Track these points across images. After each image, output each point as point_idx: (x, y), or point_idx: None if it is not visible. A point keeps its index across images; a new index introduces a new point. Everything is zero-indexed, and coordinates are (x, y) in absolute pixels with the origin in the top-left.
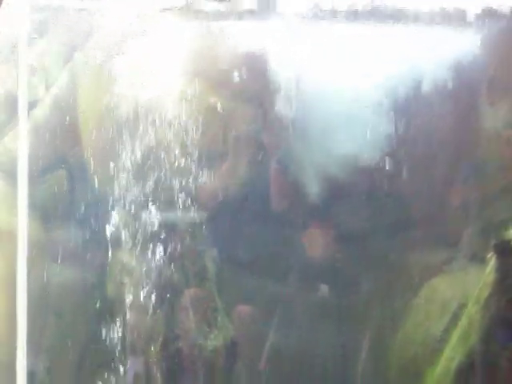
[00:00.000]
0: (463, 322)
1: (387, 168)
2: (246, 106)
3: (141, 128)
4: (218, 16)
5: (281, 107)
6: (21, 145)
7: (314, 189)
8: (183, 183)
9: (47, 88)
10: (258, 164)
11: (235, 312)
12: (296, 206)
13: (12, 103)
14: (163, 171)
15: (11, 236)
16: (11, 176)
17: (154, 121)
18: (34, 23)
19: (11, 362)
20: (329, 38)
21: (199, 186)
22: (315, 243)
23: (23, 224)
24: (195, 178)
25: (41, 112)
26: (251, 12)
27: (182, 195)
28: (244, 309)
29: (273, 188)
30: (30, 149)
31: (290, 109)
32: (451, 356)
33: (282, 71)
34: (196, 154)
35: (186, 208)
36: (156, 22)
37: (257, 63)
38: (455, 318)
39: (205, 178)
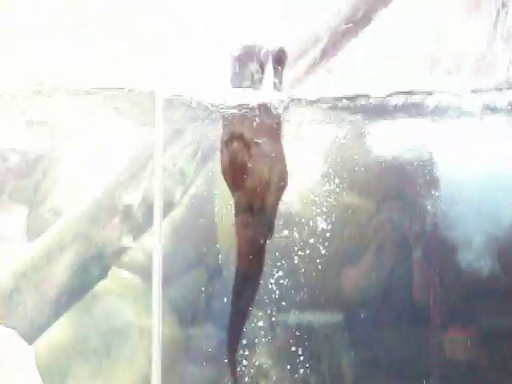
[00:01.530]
0: None
1: None
2: (387, 203)
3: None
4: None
5: (426, 204)
6: (156, 244)
7: (456, 286)
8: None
9: (184, 191)
10: (400, 258)
11: None
12: (438, 304)
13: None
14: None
15: (148, 332)
16: (148, 274)
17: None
18: (168, 129)
19: None
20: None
21: (337, 285)
22: (456, 344)
23: (158, 321)
24: (331, 278)
25: (179, 212)
26: None
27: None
28: None
29: (415, 283)
30: (168, 248)
31: (435, 204)
32: None
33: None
34: (334, 253)
35: (323, 308)
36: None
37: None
38: None
39: (343, 276)
